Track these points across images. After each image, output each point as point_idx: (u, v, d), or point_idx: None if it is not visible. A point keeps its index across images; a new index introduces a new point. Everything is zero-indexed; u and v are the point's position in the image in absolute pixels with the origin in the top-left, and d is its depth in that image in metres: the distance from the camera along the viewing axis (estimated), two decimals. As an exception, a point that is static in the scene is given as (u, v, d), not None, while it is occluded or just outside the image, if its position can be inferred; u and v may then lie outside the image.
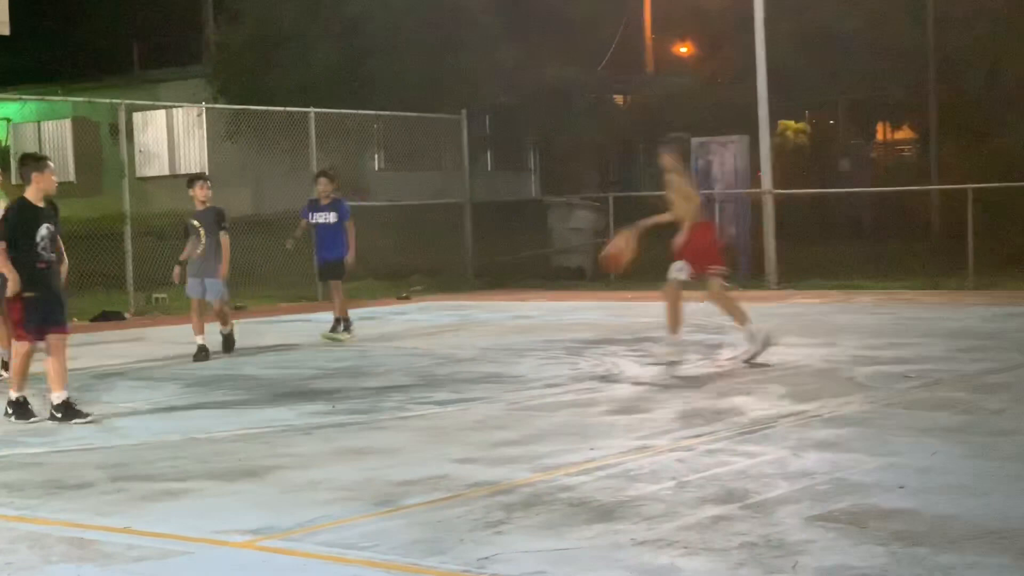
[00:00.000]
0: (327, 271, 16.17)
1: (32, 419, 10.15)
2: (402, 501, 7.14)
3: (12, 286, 10.12)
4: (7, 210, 10.51)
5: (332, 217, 15.83)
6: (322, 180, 16.15)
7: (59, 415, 10.02)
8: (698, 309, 14.28)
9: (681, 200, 12.68)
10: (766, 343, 12.45)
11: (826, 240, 24.76)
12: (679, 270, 12.57)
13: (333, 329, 15.77)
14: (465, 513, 6.82)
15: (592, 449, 8.44)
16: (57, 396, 10.08)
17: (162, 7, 42.64)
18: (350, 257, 15.78)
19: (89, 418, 10.03)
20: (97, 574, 5.94)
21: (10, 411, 10.21)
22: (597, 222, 25.08)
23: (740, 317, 12.78)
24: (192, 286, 14.39)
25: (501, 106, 29.83)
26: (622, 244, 12.91)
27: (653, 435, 8.89)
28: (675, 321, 12.69)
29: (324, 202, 15.95)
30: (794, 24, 26.64)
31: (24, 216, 10.28)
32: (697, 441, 8.62)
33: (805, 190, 25.76)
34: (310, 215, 15.98)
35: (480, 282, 24.46)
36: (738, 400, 10.28)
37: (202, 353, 13.99)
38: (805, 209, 25.16)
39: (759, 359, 12.33)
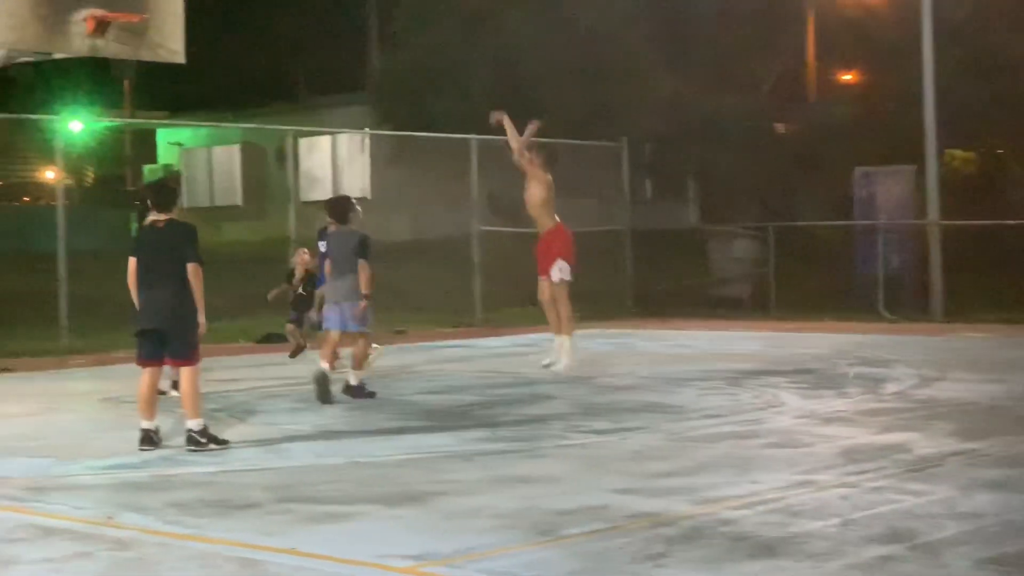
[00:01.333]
0: None
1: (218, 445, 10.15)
2: (562, 530, 7.14)
3: (203, 315, 10.08)
4: (191, 232, 10.17)
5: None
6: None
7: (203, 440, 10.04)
8: (861, 342, 14.04)
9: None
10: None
11: (995, 272, 24.15)
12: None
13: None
14: (625, 544, 6.80)
15: (753, 483, 8.34)
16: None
17: (328, 35, 43.51)
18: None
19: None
20: (264, 594, 6.06)
21: (204, 440, 10.04)
22: (757, 252, 24.87)
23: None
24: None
25: (661, 134, 29.76)
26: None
27: (816, 470, 8.76)
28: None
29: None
30: (963, 50, 26.12)
31: None
32: (862, 478, 8.46)
33: (972, 221, 25.20)
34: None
35: (639, 310, 24.39)
36: (903, 436, 10.07)
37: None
38: (973, 240, 24.57)
39: None
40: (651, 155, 31.27)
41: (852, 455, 9.29)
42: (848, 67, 37.61)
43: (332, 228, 13.34)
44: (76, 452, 10.05)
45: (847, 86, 38.03)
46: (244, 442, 10.41)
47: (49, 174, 40.50)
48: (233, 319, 19.66)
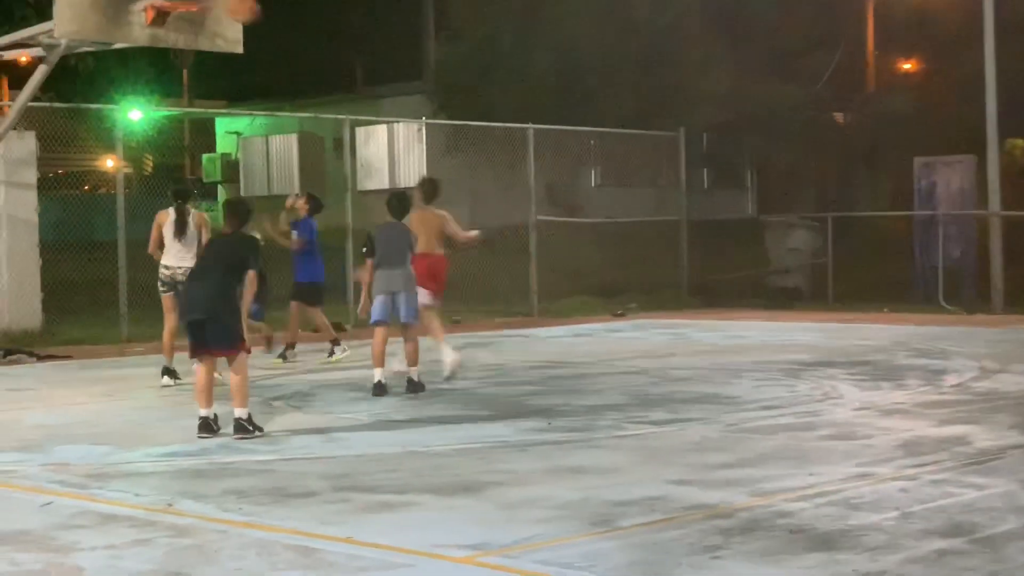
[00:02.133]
0: (302, 294, 15.89)
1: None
2: (619, 522, 7.12)
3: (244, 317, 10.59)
4: (254, 244, 10.77)
5: (295, 235, 15.81)
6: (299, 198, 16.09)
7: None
8: (920, 333, 13.91)
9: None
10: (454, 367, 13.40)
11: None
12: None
13: (331, 353, 15.76)
14: (682, 536, 6.77)
15: (811, 475, 8.29)
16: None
17: (385, 25, 43.59)
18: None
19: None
20: (321, 583, 6.08)
21: (251, 428, 10.18)
22: (815, 242, 24.71)
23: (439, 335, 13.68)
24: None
25: (718, 124, 29.61)
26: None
27: (875, 462, 8.69)
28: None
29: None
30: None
31: None
32: (921, 470, 8.39)
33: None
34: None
35: (695, 300, 24.31)
36: (963, 429, 9.98)
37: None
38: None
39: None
40: (708, 145, 31.12)
41: (911, 447, 9.22)
42: (908, 56, 37.25)
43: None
44: (135, 439, 10.14)
45: (907, 75, 37.68)
46: (301, 430, 10.48)
47: (109, 163, 40.84)
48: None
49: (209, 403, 10.20)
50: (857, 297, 23.08)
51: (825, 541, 6.60)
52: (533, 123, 23.67)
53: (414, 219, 13.30)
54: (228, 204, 11.31)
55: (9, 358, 16.06)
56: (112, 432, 10.56)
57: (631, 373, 14.14)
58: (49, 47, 14.81)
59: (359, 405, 11.99)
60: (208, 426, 10.15)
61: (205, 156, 39.70)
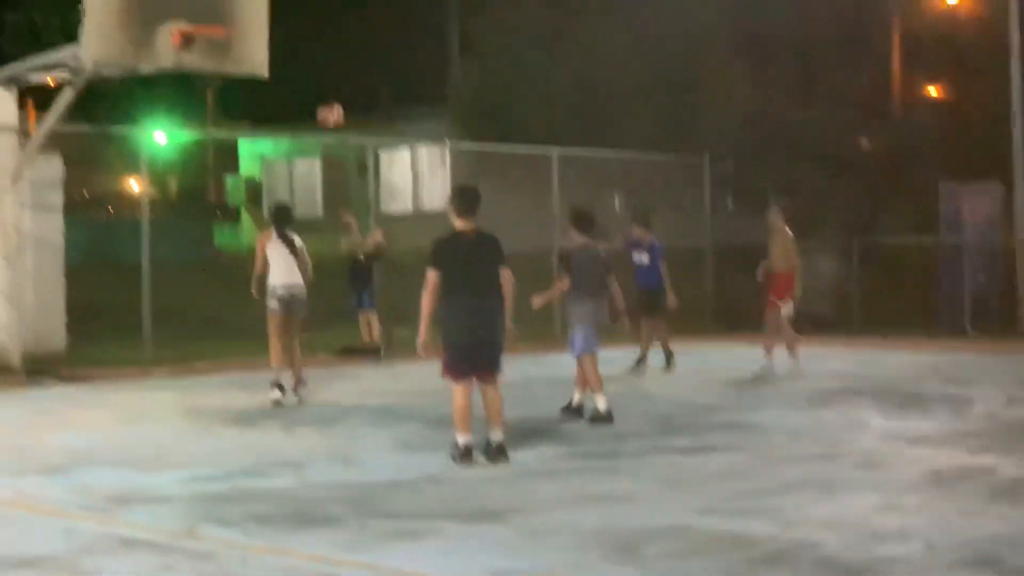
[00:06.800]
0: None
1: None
2: (642, 550, 7.07)
3: None
4: None
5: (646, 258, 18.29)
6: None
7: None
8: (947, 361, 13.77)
9: None
10: None
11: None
12: None
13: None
14: (706, 566, 6.71)
15: (837, 504, 8.22)
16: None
17: (409, 47, 43.72)
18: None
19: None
20: (343, 611, 6.04)
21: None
22: (841, 268, 24.61)
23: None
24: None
25: (743, 148, 29.53)
26: None
27: (901, 492, 8.61)
28: None
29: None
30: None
31: None
32: (948, 501, 8.31)
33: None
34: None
35: (720, 326, 24.19)
36: (990, 459, 9.88)
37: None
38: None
39: None
40: (732, 168, 31.04)
41: (938, 477, 9.13)
42: (934, 81, 37.14)
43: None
44: (158, 463, 10.12)
45: (934, 101, 37.56)
46: (323, 455, 10.44)
47: (133, 185, 41.03)
48: (315, 331, 19.72)
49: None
50: (883, 323, 22.96)
51: (851, 572, 6.54)
52: (557, 146, 23.62)
53: None
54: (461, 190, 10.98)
55: (33, 380, 16.08)
56: (135, 456, 10.54)
57: (655, 400, 14.07)
58: (75, 71, 14.85)
59: (382, 431, 11.95)
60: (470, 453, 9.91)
61: (229, 178, 39.85)
